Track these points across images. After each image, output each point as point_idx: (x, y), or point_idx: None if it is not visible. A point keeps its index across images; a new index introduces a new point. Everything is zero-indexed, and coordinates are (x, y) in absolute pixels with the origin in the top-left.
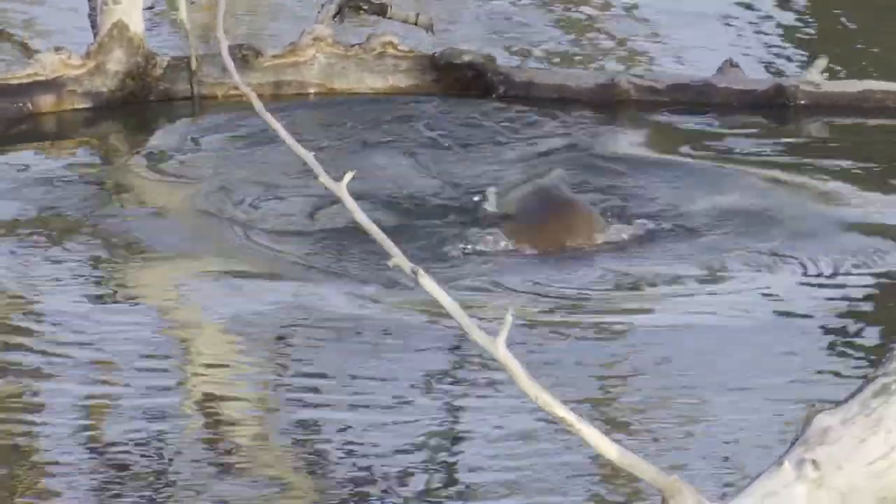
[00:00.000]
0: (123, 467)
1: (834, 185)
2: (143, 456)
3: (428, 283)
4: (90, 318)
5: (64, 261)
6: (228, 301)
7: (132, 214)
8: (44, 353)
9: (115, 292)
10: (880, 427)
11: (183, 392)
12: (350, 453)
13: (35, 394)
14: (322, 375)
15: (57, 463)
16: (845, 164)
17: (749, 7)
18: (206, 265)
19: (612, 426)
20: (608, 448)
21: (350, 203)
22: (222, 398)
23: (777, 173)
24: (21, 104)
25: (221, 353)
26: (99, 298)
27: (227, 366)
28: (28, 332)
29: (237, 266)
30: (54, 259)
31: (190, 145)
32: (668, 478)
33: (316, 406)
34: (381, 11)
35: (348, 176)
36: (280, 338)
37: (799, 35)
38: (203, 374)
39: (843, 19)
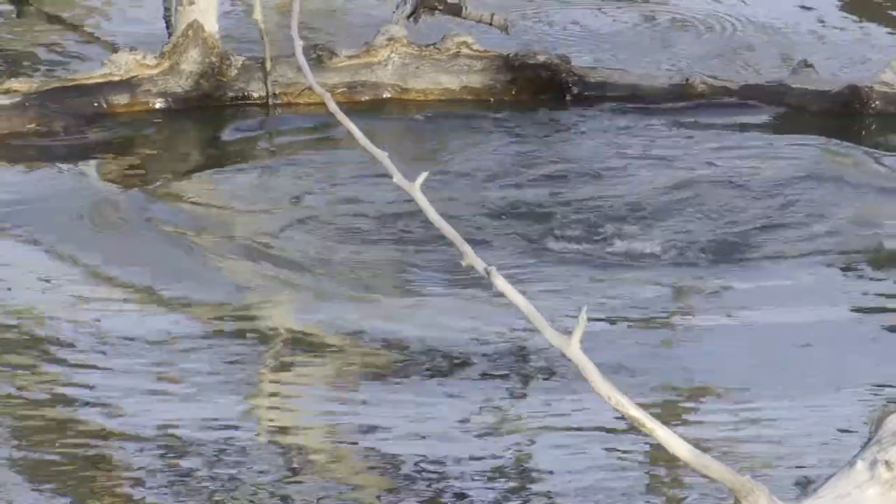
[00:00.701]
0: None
1: None
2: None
3: (501, 282)
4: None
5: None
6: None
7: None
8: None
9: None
10: None
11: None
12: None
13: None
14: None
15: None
16: None
17: (814, 8)
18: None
19: (684, 425)
20: (681, 448)
21: (423, 203)
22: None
23: None
24: (95, 104)
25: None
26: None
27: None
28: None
29: (313, 279)
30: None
31: (260, 151)
32: (740, 478)
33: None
34: (457, 11)
35: (422, 176)
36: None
37: (872, 36)
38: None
39: None
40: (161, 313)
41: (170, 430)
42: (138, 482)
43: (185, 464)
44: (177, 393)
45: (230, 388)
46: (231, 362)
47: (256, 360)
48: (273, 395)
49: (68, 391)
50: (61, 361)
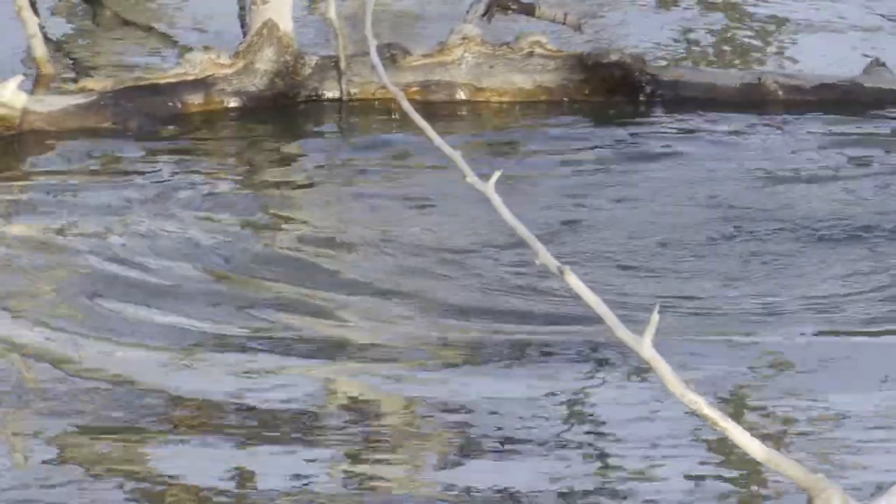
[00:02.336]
0: None
1: None
2: None
3: (574, 280)
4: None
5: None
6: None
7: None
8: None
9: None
10: None
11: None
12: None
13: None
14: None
15: None
16: None
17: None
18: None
19: (759, 425)
20: (754, 446)
21: (497, 202)
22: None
23: None
24: (170, 103)
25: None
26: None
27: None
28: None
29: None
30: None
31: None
32: (813, 476)
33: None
34: (530, 11)
35: (495, 175)
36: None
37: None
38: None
39: None
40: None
41: None
42: None
43: None
44: None
45: None
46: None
47: None
48: None
49: None
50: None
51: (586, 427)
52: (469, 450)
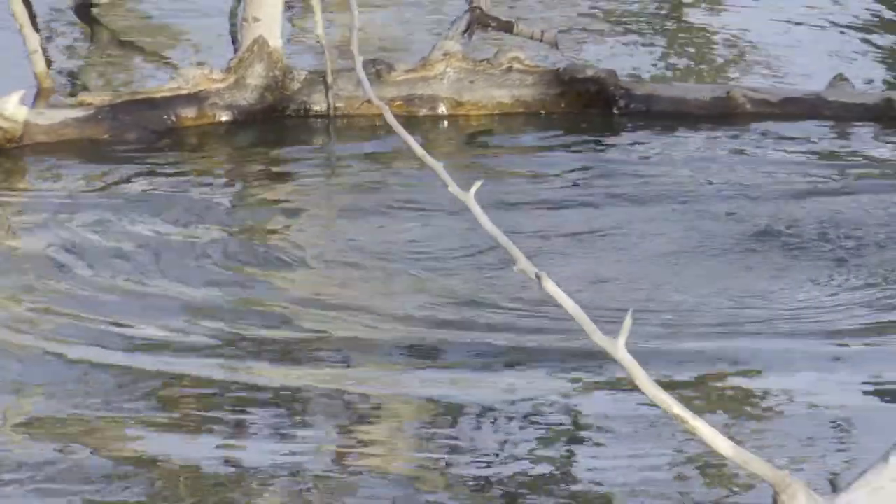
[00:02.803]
0: None
1: None
2: None
3: (551, 287)
4: None
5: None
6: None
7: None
8: None
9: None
10: None
11: None
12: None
13: None
14: None
15: None
16: None
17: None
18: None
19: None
20: (722, 444)
21: (477, 211)
22: None
23: None
24: (165, 117)
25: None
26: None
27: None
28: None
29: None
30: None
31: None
32: (779, 473)
33: None
34: (508, 28)
35: (475, 185)
36: None
37: None
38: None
39: None
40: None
41: None
42: None
43: None
44: None
45: None
46: None
47: None
48: None
49: None
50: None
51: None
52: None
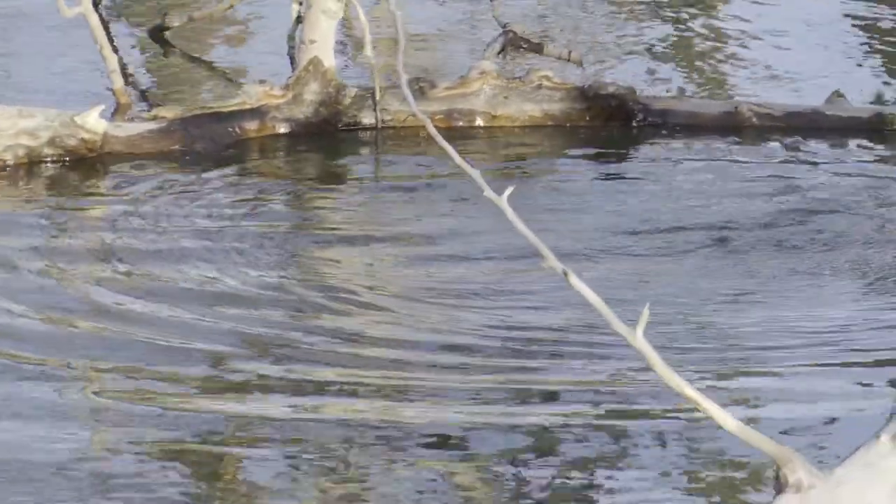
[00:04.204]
0: None
1: None
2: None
3: (576, 281)
4: None
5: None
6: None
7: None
8: None
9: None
10: None
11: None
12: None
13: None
14: None
15: None
16: None
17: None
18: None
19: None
20: (729, 422)
21: (510, 213)
22: None
23: None
24: (231, 129)
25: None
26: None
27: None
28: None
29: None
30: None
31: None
32: (781, 447)
33: None
34: (539, 49)
35: (508, 190)
36: None
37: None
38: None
39: None
40: None
41: None
42: None
43: None
44: None
45: None
46: None
47: None
48: None
49: None
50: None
51: None
52: None
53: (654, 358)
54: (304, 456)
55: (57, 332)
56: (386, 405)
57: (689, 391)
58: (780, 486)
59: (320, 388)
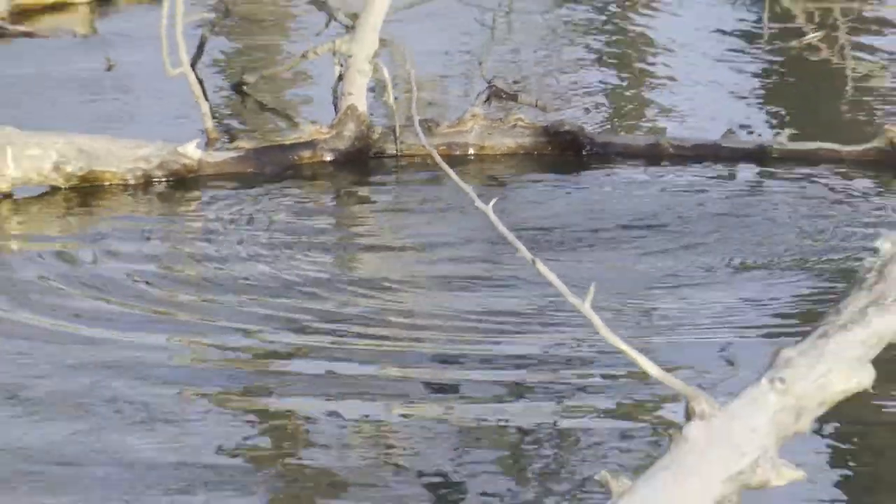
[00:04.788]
0: None
1: None
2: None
3: (542, 269)
4: None
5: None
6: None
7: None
8: None
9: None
10: (822, 358)
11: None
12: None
13: None
14: None
15: None
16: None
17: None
18: None
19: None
20: (652, 368)
21: (493, 218)
22: None
23: None
24: (290, 157)
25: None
26: None
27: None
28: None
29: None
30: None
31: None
32: (690, 387)
33: None
34: (514, 98)
35: (493, 201)
36: None
37: (768, 100)
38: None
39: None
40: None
41: None
42: None
43: None
44: None
45: None
46: None
47: None
48: None
49: None
50: None
51: None
52: None
53: (598, 322)
54: None
55: (158, 318)
56: None
57: (624, 346)
58: (688, 415)
59: None
